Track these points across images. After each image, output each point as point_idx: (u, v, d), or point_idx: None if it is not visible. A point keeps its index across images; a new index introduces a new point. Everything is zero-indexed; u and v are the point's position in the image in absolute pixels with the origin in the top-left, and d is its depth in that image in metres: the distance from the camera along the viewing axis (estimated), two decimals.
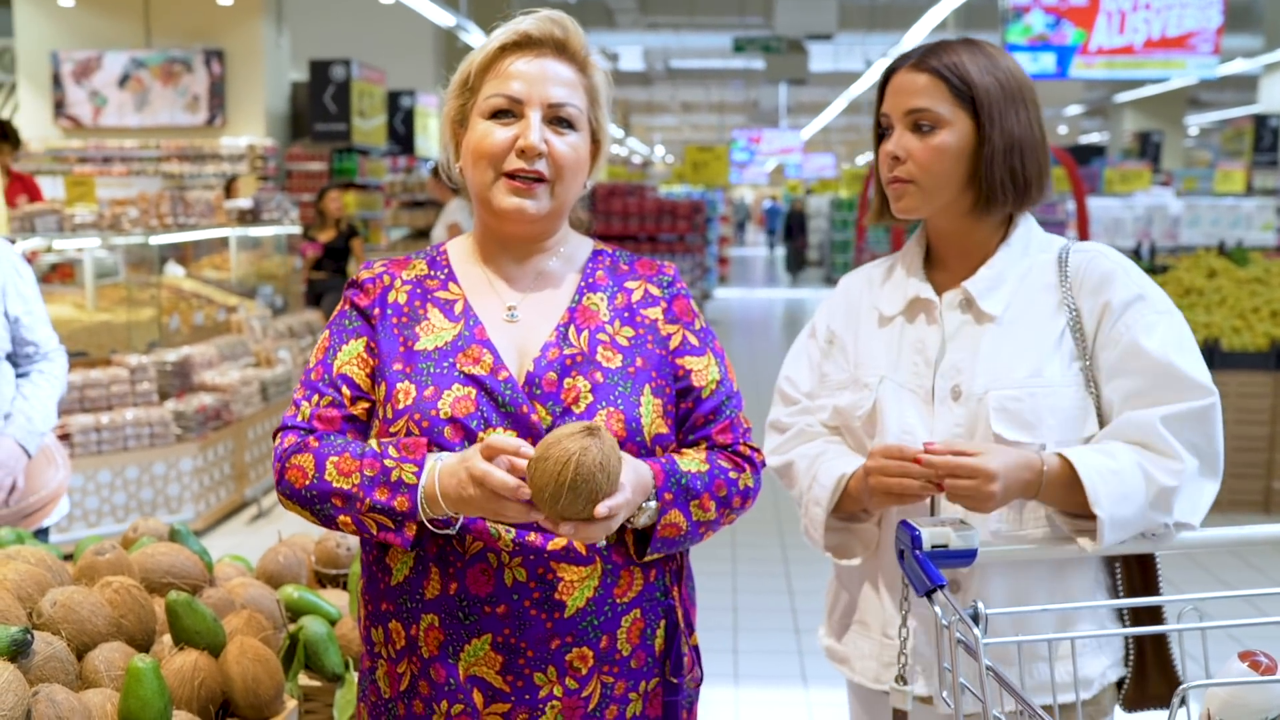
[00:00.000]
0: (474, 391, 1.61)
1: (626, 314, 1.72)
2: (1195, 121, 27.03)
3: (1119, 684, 1.88)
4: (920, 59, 1.84)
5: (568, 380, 1.63)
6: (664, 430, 1.67)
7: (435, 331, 1.67)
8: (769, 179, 38.11)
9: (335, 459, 1.59)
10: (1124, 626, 1.86)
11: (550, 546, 1.58)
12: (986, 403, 1.78)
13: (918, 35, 15.03)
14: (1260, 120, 15.65)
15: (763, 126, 30.07)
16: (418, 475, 1.54)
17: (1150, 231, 9.26)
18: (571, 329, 1.68)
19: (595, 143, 1.73)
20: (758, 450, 1.77)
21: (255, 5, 11.80)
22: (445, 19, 12.65)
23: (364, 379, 1.68)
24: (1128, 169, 12.82)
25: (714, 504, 1.66)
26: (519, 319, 1.69)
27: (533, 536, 1.58)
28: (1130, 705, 1.88)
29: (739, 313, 17.61)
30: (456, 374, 1.63)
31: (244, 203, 7.17)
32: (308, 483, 1.60)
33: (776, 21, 17.26)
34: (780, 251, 34.22)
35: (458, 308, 1.70)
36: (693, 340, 1.74)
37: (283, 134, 12.46)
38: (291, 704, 1.98)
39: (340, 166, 12.49)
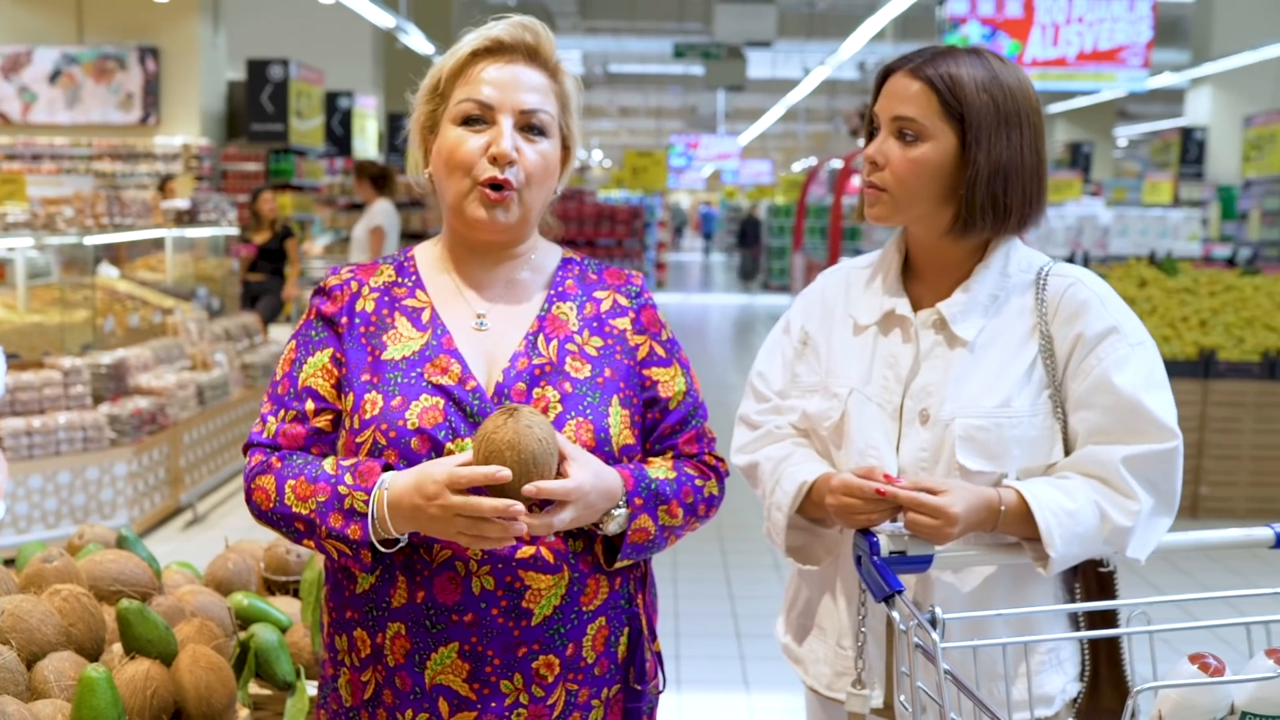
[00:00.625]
0: (442, 402, 1.60)
1: (595, 324, 1.72)
2: (1124, 133, 27.59)
3: (1075, 699, 1.88)
4: (918, 65, 1.78)
5: (536, 390, 1.63)
6: (631, 441, 1.68)
7: (403, 341, 1.66)
8: (706, 184, 38.27)
9: (293, 482, 1.59)
10: (1085, 642, 1.86)
11: (518, 555, 1.58)
12: (953, 430, 1.76)
13: (856, 44, 15.19)
14: (1186, 133, 15.99)
15: (700, 132, 30.19)
16: (368, 504, 1.53)
17: (1081, 241, 9.43)
18: (540, 338, 1.68)
19: (565, 149, 1.73)
20: (722, 460, 1.79)
21: (191, 2, 11.64)
22: (385, 20, 12.56)
23: (329, 390, 1.67)
24: (1059, 179, 13.05)
25: (681, 510, 1.67)
26: (488, 328, 1.69)
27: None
28: (1083, 717, 1.88)
29: (676, 318, 17.65)
30: (424, 384, 1.62)
31: (181, 203, 7.06)
32: (271, 506, 1.61)
33: (716, 28, 17.36)
34: (717, 257, 34.37)
35: (425, 316, 1.68)
36: (660, 351, 1.75)
37: (218, 133, 12.29)
38: (244, 713, 1.96)
39: (277, 167, 12.36)
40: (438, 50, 15.80)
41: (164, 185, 9.80)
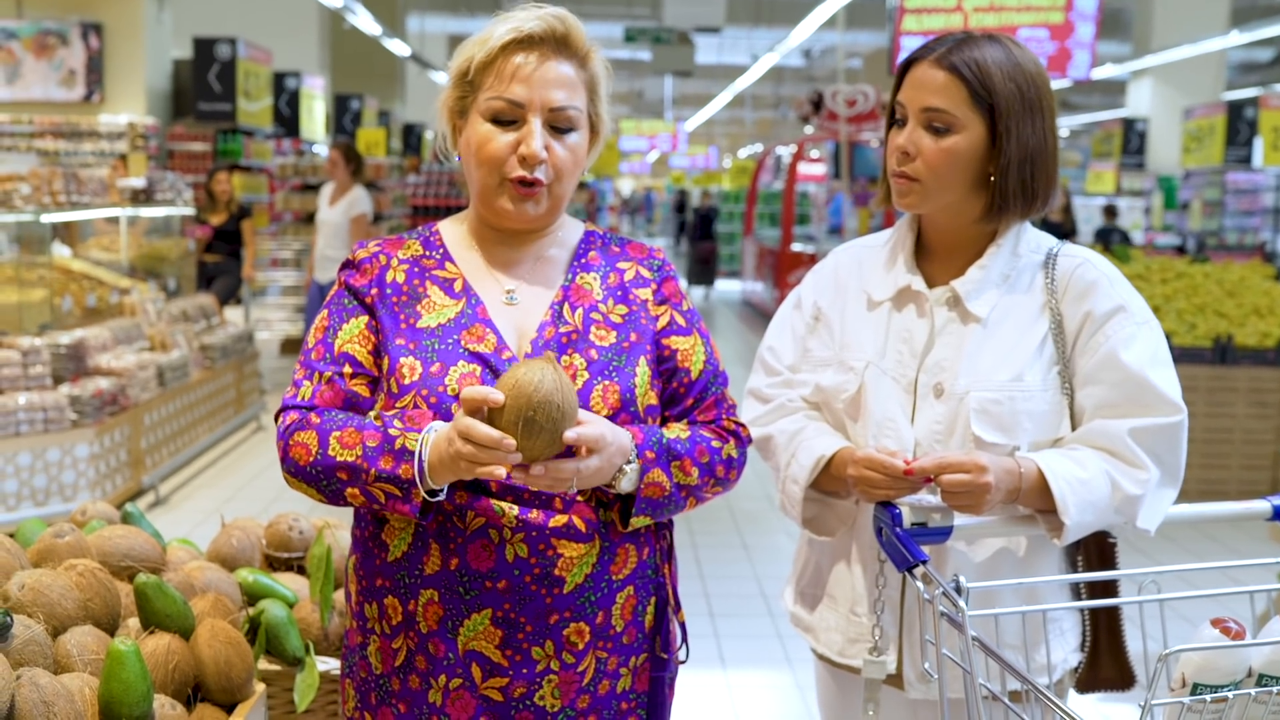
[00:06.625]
0: (479, 369, 1.63)
1: (620, 293, 1.75)
2: (1066, 124, 27.98)
3: (1075, 669, 1.94)
4: (943, 54, 1.80)
5: (564, 358, 1.66)
6: (654, 401, 1.71)
7: (437, 309, 1.69)
8: (651, 170, 38.33)
9: (338, 434, 1.60)
10: (1085, 613, 1.92)
11: (551, 524, 1.60)
12: (968, 403, 1.80)
13: (804, 31, 15.26)
14: (1128, 124, 16.26)
15: (646, 117, 30.21)
16: (419, 444, 1.55)
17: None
18: (566, 307, 1.71)
19: (593, 130, 1.76)
20: (743, 426, 1.81)
21: None
22: (333, 0, 12.44)
23: (366, 356, 1.69)
24: None
25: (696, 469, 1.68)
26: (518, 302, 1.72)
27: (534, 514, 1.60)
28: (1083, 688, 1.94)
29: None
30: (461, 350, 1.65)
31: (137, 182, 6.96)
32: (312, 459, 1.61)
33: (665, 13, 17.36)
34: (661, 241, 34.36)
35: (458, 286, 1.72)
36: (680, 321, 1.78)
37: (164, 112, 12.09)
38: (261, 688, 1.96)
39: (225, 148, 12.20)
40: (385, 31, 15.66)
41: (118, 164, 9.61)
